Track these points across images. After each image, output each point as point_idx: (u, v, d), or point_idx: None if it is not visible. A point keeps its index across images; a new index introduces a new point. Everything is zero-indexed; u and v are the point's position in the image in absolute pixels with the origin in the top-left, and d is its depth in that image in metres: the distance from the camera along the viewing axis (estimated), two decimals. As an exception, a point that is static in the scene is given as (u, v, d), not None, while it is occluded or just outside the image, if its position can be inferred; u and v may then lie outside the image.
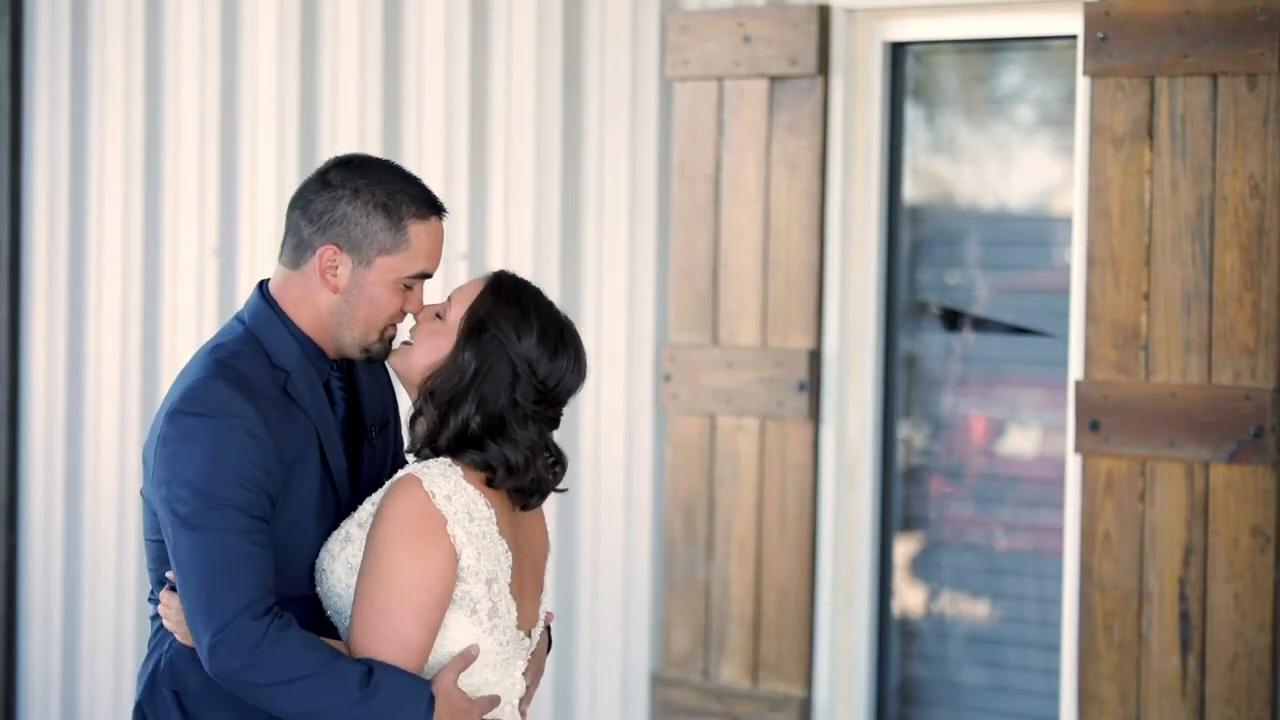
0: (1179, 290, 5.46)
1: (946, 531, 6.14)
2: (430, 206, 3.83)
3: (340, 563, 3.72)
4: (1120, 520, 5.53)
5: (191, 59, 7.29)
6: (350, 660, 3.65)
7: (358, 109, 6.89)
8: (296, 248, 3.83)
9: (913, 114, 6.14)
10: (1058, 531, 5.84)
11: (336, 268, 3.80)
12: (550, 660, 6.52)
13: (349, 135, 6.91)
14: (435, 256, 3.86)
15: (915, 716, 6.17)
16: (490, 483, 3.72)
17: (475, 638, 3.68)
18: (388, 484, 3.70)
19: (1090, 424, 5.57)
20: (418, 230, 3.81)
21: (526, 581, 3.80)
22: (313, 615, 3.81)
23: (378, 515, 3.65)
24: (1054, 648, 5.87)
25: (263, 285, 3.91)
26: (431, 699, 3.66)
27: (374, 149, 6.84)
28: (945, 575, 6.15)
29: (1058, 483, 5.87)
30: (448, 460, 3.70)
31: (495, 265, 6.62)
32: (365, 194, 3.79)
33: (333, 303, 3.82)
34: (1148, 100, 5.51)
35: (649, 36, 6.37)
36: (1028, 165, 6.04)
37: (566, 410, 6.57)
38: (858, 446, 6.11)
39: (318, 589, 3.77)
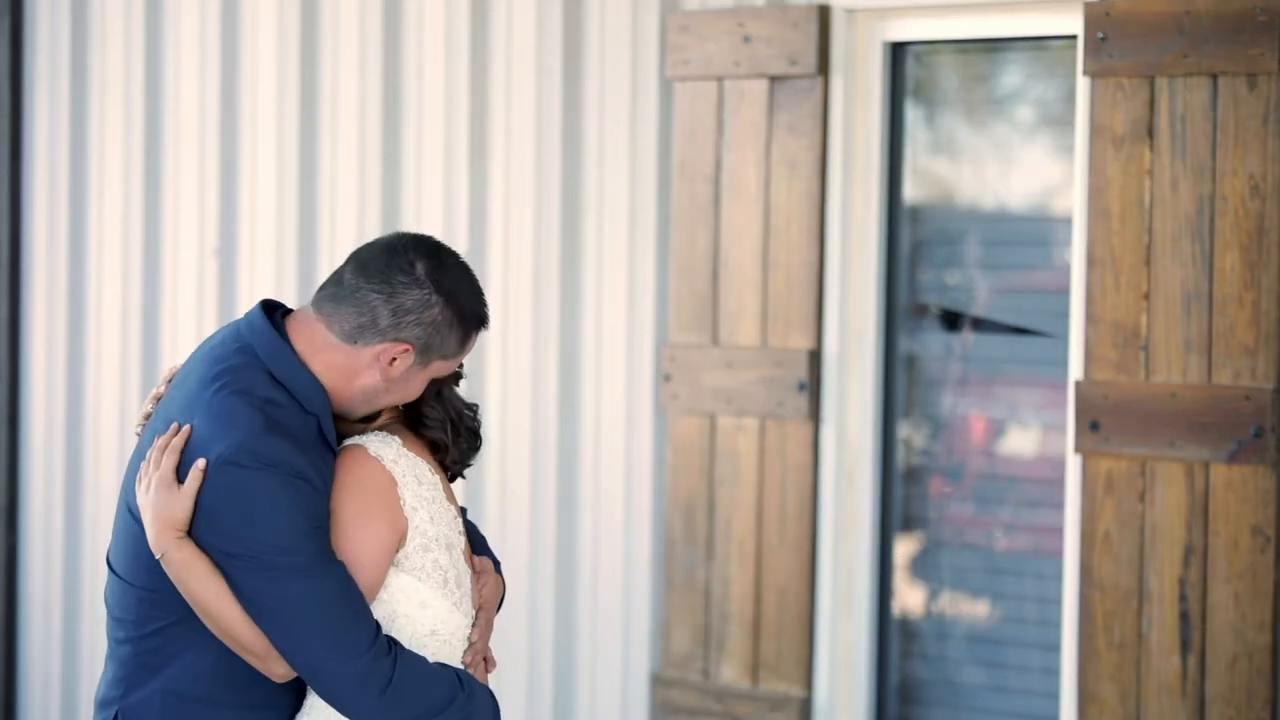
0: (1179, 290, 5.46)
1: (946, 531, 6.14)
2: (486, 321, 3.84)
3: None
4: (1120, 520, 5.53)
5: (191, 59, 7.29)
6: (443, 666, 3.73)
7: (358, 109, 6.89)
8: (362, 327, 3.74)
9: (913, 114, 6.14)
10: (1058, 531, 5.84)
11: (396, 361, 3.75)
12: (550, 660, 6.52)
13: (349, 135, 6.91)
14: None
15: (915, 716, 6.17)
16: (460, 459, 3.85)
17: (449, 611, 3.71)
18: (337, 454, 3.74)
19: (1090, 424, 5.57)
20: (472, 339, 3.82)
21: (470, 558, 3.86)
22: None
23: (333, 487, 3.68)
24: (1054, 648, 5.87)
25: (270, 314, 3.82)
26: (493, 696, 3.78)
27: (374, 149, 6.83)
28: (945, 575, 6.15)
29: (1058, 483, 5.87)
30: (384, 431, 3.76)
31: (495, 265, 6.62)
32: (453, 305, 3.74)
33: (372, 385, 3.78)
34: (1148, 100, 5.51)
35: (649, 36, 6.37)
36: (1028, 165, 6.04)
37: (565, 410, 6.59)
38: (858, 446, 6.11)
39: None
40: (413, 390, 3.82)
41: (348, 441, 3.74)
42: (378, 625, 3.64)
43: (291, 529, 3.61)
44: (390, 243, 3.78)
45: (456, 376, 3.88)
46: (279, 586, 3.61)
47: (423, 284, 3.72)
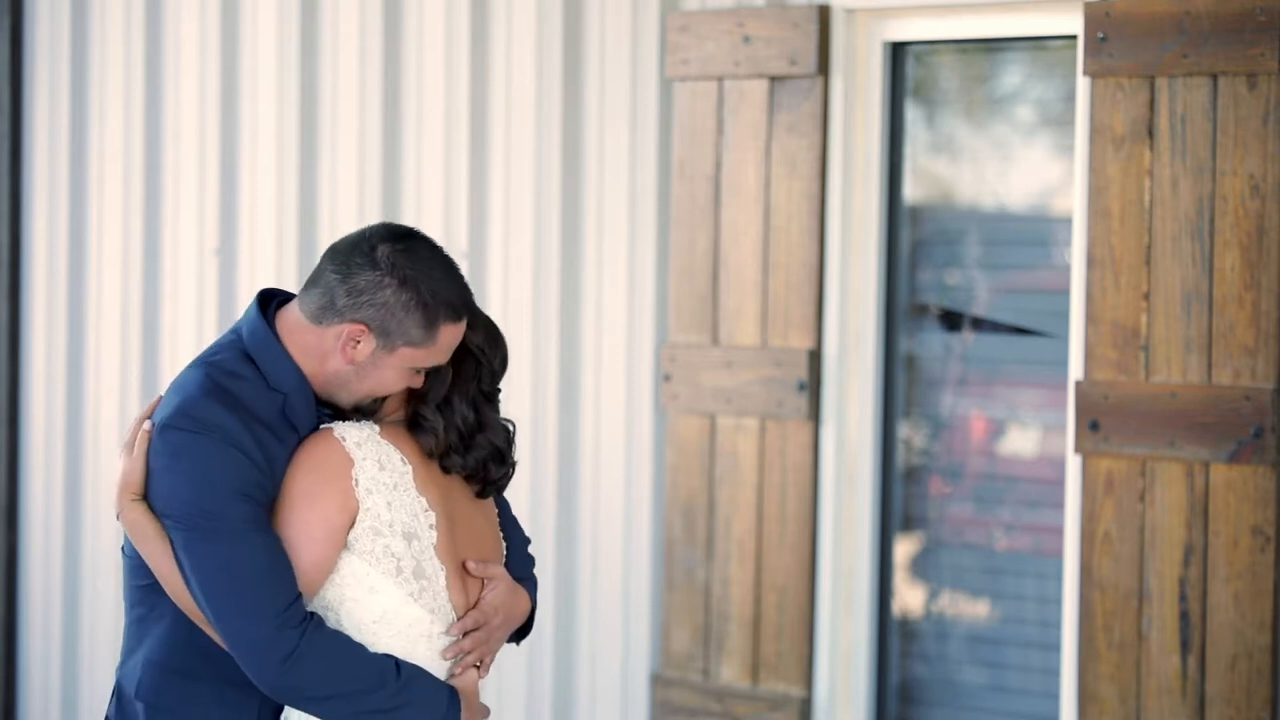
0: (1179, 290, 5.46)
1: (946, 531, 6.14)
2: (464, 309, 3.84)
3: None
4: (1120, 520, 5.53)
5: (191, 59, 7.29)
6: (378, 654, 3.71)
7: (358, 109, 6.89)
8: (324, 308, 3.81)
9: (913, 114, 6.14)
10: (1058, 531, 5.84)
11: (359, 344, 3.80)
12: (550, 660, 6.52)
13: (349, 135, 6.91)
14: (450, 352, 3.87)
15: (915, 716, 6.17)
16: (481, 476, 3.87)
17: (402, 601, 3.70)
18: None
19: (1090, 424, 5.57)
20: (446, 331, 3.82)
21: (463, 552, 3.82)
22: None
23: (289, 465, 3.72)
24: (1054, 648, 5.87)
25: (263, 302, 3.90)
26: (453, 694, 3.75)
27: (374, 148, 6.84)
28: (945, 575, 6.15)
29: (1058, 483, 5.87)
30: (369, 422, 3.80)
31: (495, 265, 6.62)
32: (410, 288, 3.78)
33: (341, 370, 3.83)
34: (1148, 100, 5.51)
35: (649, 36, 6.37)
36: (1028, 165, 6.04)
37: (565, 410, 6.59)
38: (858, 446, 6.11)
39: None
40: (388, 380, 3.83)
41: (323, 426, 3.79)
42: (297, 598, 3.65)
43: (214, 493, 3.66)
44: (362, 231, 3.87)
45: (489, 395, 3.89)
46: (200, 548, 3.66)
47: (378, 266, 3.78)
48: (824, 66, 6.04)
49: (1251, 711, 5.36)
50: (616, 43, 6.42)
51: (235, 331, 3.88)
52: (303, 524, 3.66)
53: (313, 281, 3.84)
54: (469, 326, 3.85)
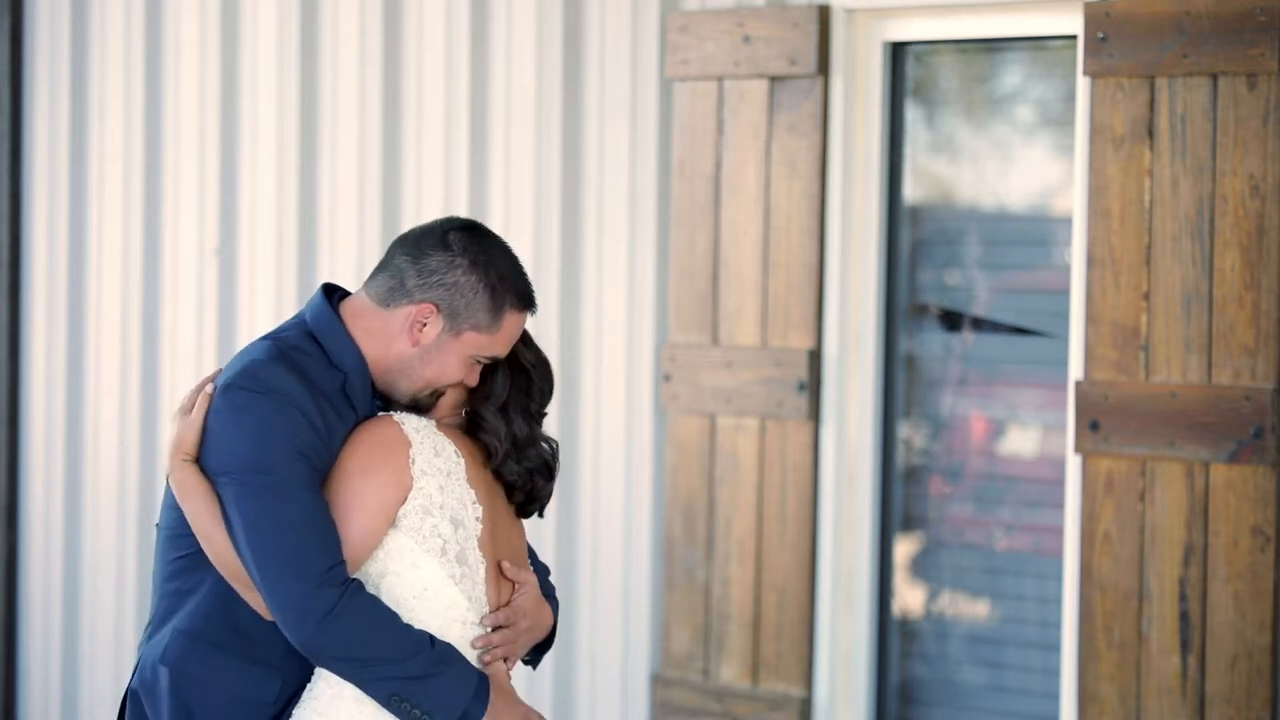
0: (1179, 290, 5.46)
1: (946, 531, 6.14)
2: (529, 301, 3.92)
3: None
4: (1120, 520, 5.53)
5: (191, 59, 7.29)
6: (414, 627, 3.76)
7: (358, 109, 6.89)
8: (393, 289, 3.89)
9: (913, 114, 6.14)
10: (1058, 531, 5.84)
11: (426, 325, 3.87)
12: (550, 660, 6.52)
13: (349, 135, 6.91)
14: (511, 344, 3.94)
15: (915, 716, 6.17)
16: (527, 487, 3.92)
17: (444, 582, 3.74)
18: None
19: (1090, 424, 5.57)
20: (511, 319, 3.89)
21: (500, 554, 3.87)
22: None
23: (346, 443, 3.78)
24: (1054, 648, 5.87)
25: (328, 290, 3.97)
26: (484, 678, 3.83)
27: (374, 148, 6.84)
28: (945, 575, 6.15)
29: (1058, 483, 5.87)
30: (424, 417, 3.85)
31: (495, 265, 6.62)
32: (480, 270, 3.86)
33: (406, 353, 3.89)
34: (1148, 100, 5.51)
35: (649, 36, 6.37)
36: (1028, 165, 6.04)
37: (565, 410, 6.59)
38: (858, 446, 6.11)
39: None
40: (450, 367, 3.89)
41: (382, 413, 3.85)
42: (340, 561, 3.70)
43: (271, 448, 3.72)
44: (434, 221, 3.96)
45: (537, 414, 3.94)
46: (251, 503, 3.71)
47: (450, 249, 3.87)
48: (824, 66, 6.04)
49: (1251, 711, 5.36)
50: (616, 43, 6.42)
51: (300, 316, 3.95)
52: (356, 494, 3.72)
53: (381, 268, 3.92)
54: (524, 343, 3.92)
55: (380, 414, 3.84)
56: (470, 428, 3.90)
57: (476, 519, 3.80)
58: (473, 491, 3.80)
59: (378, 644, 3.72)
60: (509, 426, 3.88)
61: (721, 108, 6.19)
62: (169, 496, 3.87)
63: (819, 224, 6.06)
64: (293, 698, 3.85)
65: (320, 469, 3.77)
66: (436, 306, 3.86)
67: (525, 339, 3.96)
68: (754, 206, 6.13)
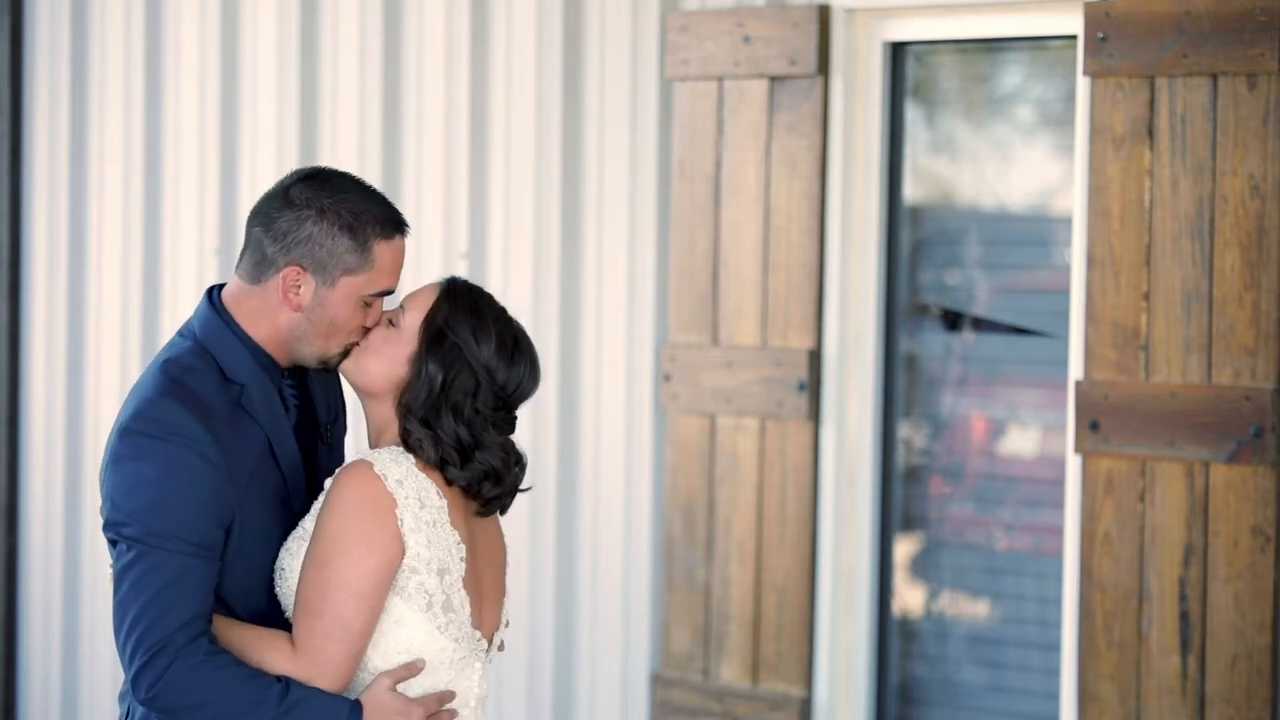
0: (1179, 290, 5.46)
1: (946, 531, 6.14)
2: (394, 225, 3.80)
3: (299, 560, 3.70)
4: (1120, 520, 5.54)
5: (191, 59, 7.30)
6: (267, 676, 3.64)
7: (358, 109, 6.89)
8: (258, 264, 3.79)
9: (913, 114, 6.14)
10: (1058, 531, 5.84)
11: (299, 288, 3.77)
12: (550, 660, 6.52)
13: (349, 135, 6.91)
14: (398, 273, 3.84)
15: (915, 716, 6.17)
16: (474, 493, 3.75)
17: (429, 634, 3.66)
18: (338, 470, 3.69)
19: (1090, 424, 5.57)
20: (382, 249, 3.78)
21: (485, 583, 3.78)
22: (276, 626, 3.79)
23: (327, 498, 3.65)
24: (1054, 648, 5.87)
25: (212, 294, 3.87)
26: (353, 708, 3.66)
27: (374, 149, 6.84)
28: (945, 575, 6.15)
29: (1058, 483, 5.87)
30: (400, 448, 3.70)
31: (495, 265, 6.62)
32: (331, 214, 3.75)
33: (294, 320, 3.79)
34: (1148, 100, 5.51)
35: (649, 36, 6.37)
36: (1028, 165, 6.04)
37: (565, 410, 6.59)
38: (858, 446, 6.11)
39: (276, 589, 3.75)
40: (342, 318, 3.78)
41: (357, 455, 3.70)
42: (193, 618, 3.60)
43: (168, 500, 3.62)
44: (278, 182, 3.85)
45: (511, 425, 3.81)
46: (123, 561, 3.65)
47: (294, 204, 3.76)
48: (824, 66, 6.04)
49: (1251, 711, 5.36)
50: (616, 43, 6.42)
51: (190, 327, 3.85)
52: (352, 578, 3.59)
53: (243, 247, 3.83)
54: (476, 341, 3.74)
55: (358, 461, 3.67)
56: (404, 442, 3.75)
57: (461, 559, 3.70)
58: (456, 532, 3.70)
59: (217, 700, 3.61)
60: (440, 435, 3.70)
61: (721, 108, 6.19)
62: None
63: (819, 224, 6.06)
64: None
65: (220, 515, 3.66)
66: (301, 266, 3.75)
67: (477, 335, 3.76)
68: (754, 206, 6.13)
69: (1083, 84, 5.63)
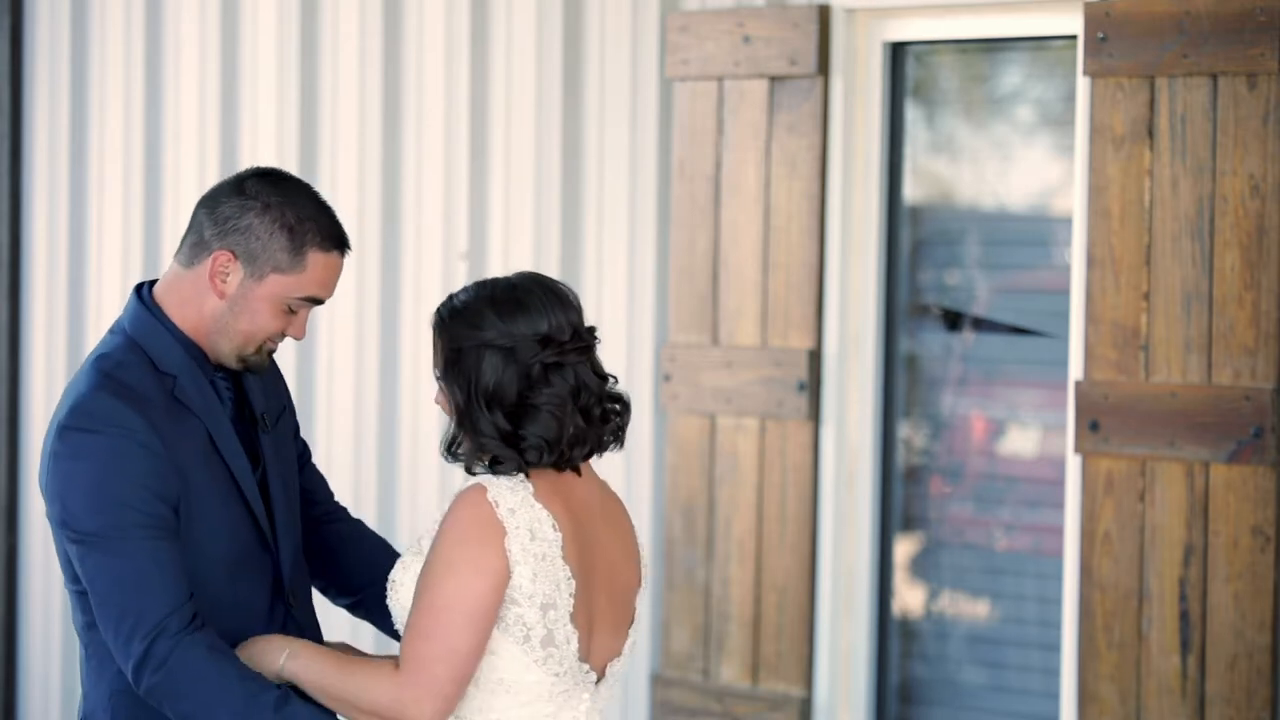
0: (1179, 290, 5.46)
1: (946, 531, 6.14)
2: (334, 241, 3.82)
3: (410, 574, 3.65)
4: (1120, 520, 5.54)
5: (191, 59, 7.30)
6: (265, 681, 3.64)
7: (358, 109, 6.89)
8: (194, 246, 3.80)
9: (913, 114, 6.14)
10: (1058, 531, 5.84)
11: (227, 275, 3.77)
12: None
13: (349, 135, 6.91)
14: (328, 287, 3.84)
15: (915, 716, 6.17)
16: (566, 461, 3.62)
17: (525, 667, 3.60)
18: (458, 491, 3.63)
19: (1090, 424, 5.57)
20: (316, 259, 3.80)
21: (599, 612, 3.68)
22: (233, 620, 3.79)
23: (442, 520, 3.59)
24: (1054, 648, 5.87)
25: (140, 290, 3.87)
26: None
27: (374, 149, 6.84)
28: (945, 575, 6.15)
29: (1058, 483, 5.87)
30: (521, 476, 3.60)
31: (495, 266, 6.63)
32: (275, 211, 3.77)
33: (217, 309, 3.79)
34: (1148, 100, 5.51)
35: (649, 36, 6.37)
36: (1028, 165, 6.04)
37: (566, 410, 6.57)
38: (858, 446, 6.11)
39: (389, 601, 3.70)
40: (263, 317, 3.77)
41: (475, 479, 3.62)
42: (177, 607, 3.60)
43: (107, 499, 3.62)
44: (236, 173, 3.86)
45: (584, 352, 3.63)
46: (90, 562, 3.65)
47: (244, 194, 3.77)
48: (824, 66, 6.04)
49: (1251, 711, 5.36)
50: (616, 43, 6.42)
51: (120, 325, 3.84)
52: (460, 601, 3.53)
53: (186, 231, 3.83)
54: (479, 328, 3.63)
55: (475, 484, 3.59)
56: (493, 465, 3.65)
57: (570, 595, 3.60)
58: (568, 567, 3.59)
59: (207, 696, 3.61)
60: (479, 441, 3.61)
61: (721, 108, 6.19)
62: (61, 553, 3.77)
63: (819, 224, 6.06)
64: None
65: (165, 495, 3.66)
66: (233, 253, 3.75)
67: (476, 326, 3.64)
68: (754, 206, 6.13)
69: (1083, 84, 5.63)
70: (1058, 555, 5.83)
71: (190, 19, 7.29)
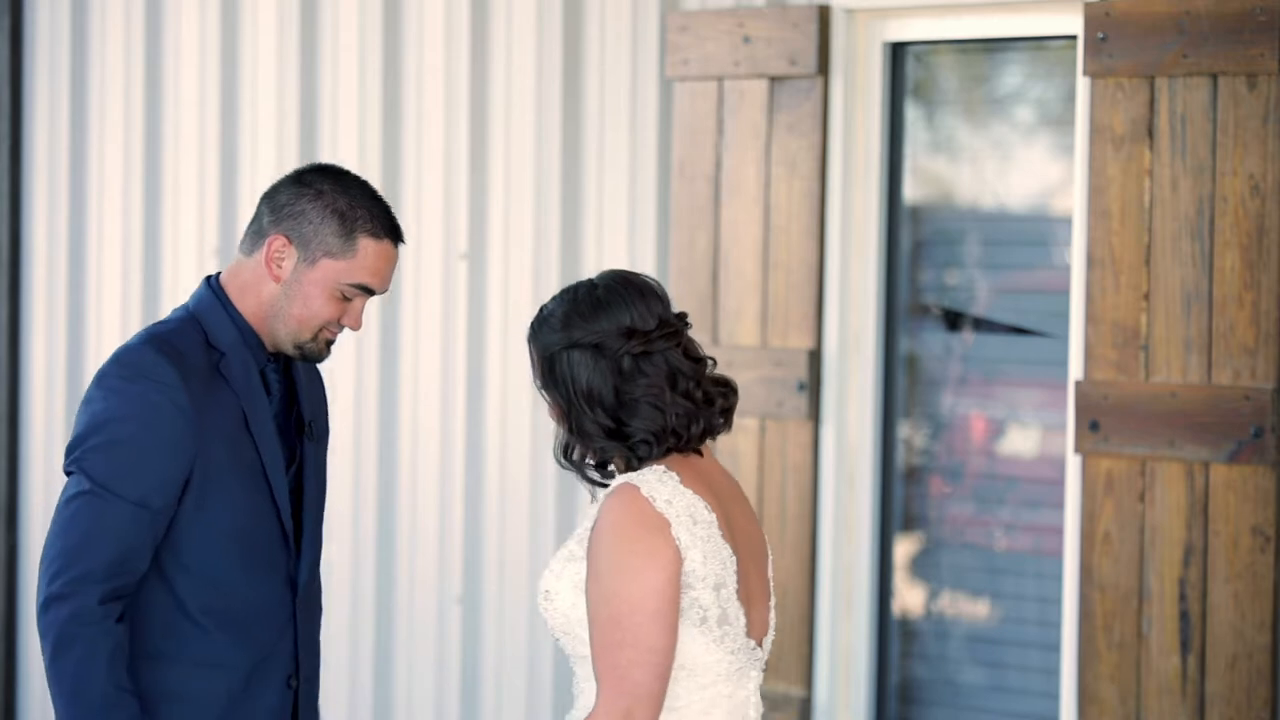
0: (1179, 290, 5.46)
1: (946, 531, 6.14)
2: (387, 230, 3.94)
3: (566, 582, 3.62)
4: (1120, 520, 5.54)
5: (191, 59, 7.30)
6: (120, 700, 3.71)
7: (358, 109, 6.89)
8: (254, 235, 3.92)
9: (913, 114, 6.14)
10: (1058, 531, 5.84)
11: (283, 259, 3.88)
12: (550, 660, 6.52)
13: (349, 135, 6.91)
14: (380, 276, 3.94)
15: (915, 716, 6.17)
16: (688, 441, 3.61)
17: (705, 648, 3.60)
18: (602, 495, 3.62)
19: (1090, 424, 5.57)
20: (366, 245, 3.91)
21: (752, 588, 3.69)
22: (241, 608, 3.85)
23: (596, 527, 3.57)
24: (1054, 648, 5.87)
25: (210, 277, 3.99)
26: None
27: (374, 149, 6.84)
28: (945, 575, 6.15)
29: (1058, 483, 5.87)
30: (663, 468, 3.60)
31: (495, 265, 6.63)
32: (328, 198, 3.88)
33: (274, 293, 3.89)
34: (1148, 100, 5.51)
35: (649, 36, 6.37)
36: (1028, 165, 6.04)
37: (566, 410, 6.56)
38: (858, 446, 6.11)
39: (543, 610, 3.67)
40: (316, 302, 3.87)
41: (620, 478, 3.61)
42: (107, 579, 3.69)
43: (129, 441, 3.72)
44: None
45: (675, 337, 3.61)
46: (69, 492, 3.77)
47: (300, 183, 3.91)
48: (824, 66, 6.04)
49: (1251, 711, 5.36)
50: (616, 43, 6.42)
51: (183, 306, 3.97)
52: (643, 600, 3.50)
53: (249, 222, 3.97)
54: (568, 329, 3.60)
55: (624, 483, 3.58)
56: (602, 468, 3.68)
57: (734, 572, 3.62)
58: (728, 546, 3.61)
59: (74, 684, 3.69)
60: (588, 446, 3.63)
61: (721, 108, 6.19)
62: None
63: (819, 224, 6.06)
64: (243, 690, 3.84)
65: (179, 460, 3.75)
66: (288, 238, 3.87)
67: (565, 328, 3.61)
68: (754, 206, 6.13)
69: (1083, 84, 5.63)
70: (1058, 555, 5.83)
71: (190, 19, 7.29)
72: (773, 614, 3.78)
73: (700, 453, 3.69)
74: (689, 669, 3.61)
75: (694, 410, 3.64)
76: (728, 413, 3.70)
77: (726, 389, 3.69)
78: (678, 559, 3.54)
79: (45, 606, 3.72)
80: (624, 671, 3.52)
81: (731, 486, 3.75)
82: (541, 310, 3.72)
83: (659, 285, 3.70)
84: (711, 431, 3.68)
